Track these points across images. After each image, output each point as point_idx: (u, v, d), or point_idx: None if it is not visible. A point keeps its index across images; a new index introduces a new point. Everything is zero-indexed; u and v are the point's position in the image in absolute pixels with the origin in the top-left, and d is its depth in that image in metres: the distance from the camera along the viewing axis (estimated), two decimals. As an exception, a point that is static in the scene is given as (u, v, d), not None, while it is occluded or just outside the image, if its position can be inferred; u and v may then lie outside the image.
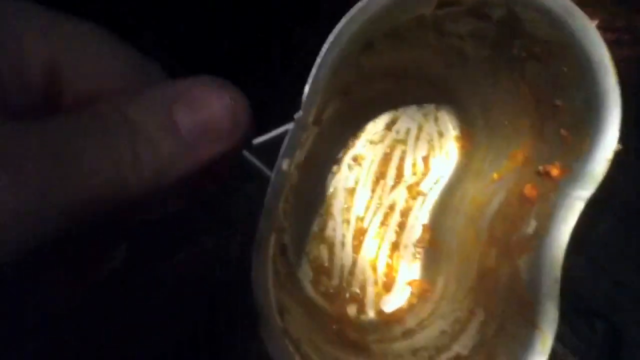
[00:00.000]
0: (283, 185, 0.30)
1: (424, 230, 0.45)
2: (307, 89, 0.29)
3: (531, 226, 0.33)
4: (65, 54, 0.23)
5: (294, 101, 0.29)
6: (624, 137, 0.30)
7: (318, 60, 0.29)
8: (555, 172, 0.33)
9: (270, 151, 0.30)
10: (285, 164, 0.29)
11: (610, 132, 0.30)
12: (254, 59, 0.48)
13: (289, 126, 0.29)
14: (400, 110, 0.45)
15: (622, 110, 0.29)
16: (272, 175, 0.29)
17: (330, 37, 0.29)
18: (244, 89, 0.26)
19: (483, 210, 0.39)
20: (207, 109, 0.24)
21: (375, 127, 0.45)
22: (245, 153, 0.30)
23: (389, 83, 0.45)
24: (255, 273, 0.30)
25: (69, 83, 0.24)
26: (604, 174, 0.30)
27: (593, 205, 0.30)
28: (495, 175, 0.39)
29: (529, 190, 0.34)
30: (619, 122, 0.30)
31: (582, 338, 0.34)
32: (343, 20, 0.29)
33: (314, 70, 0.29)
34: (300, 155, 0.43)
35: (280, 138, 0.30)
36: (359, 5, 0.29)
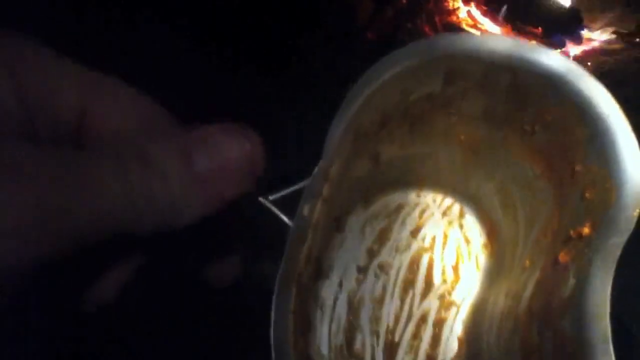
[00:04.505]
0: (304, 232, 0.29)
1: (460, 344, 0.42)
2: (327, 141, 0.30)
3: (570, 285, 0.31)
4: (93, 102, 0.26)
5: (312, 156, 0.30)
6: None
7: (338, 113, 0.30)
8: (586, 231, 0.32)
9: (288, 207, 0.30)
10: (306, 210, 0.29)
11: (634, 180, 0.30)
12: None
13: (307, 182, 0.30)
14: (424, 217, 0.45)
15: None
16: (294, 221, 0.29)
17: (351, 93, 0.31)
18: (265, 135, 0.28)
19: (519, 297, 0.36)
20: (225, 153, 0.25)
21: (399, 235, 0.45)
22: (264, 201, 0.30)
23: (410, 191, 0.46)
24: (275, 329, 0.28)
25: (95, 126, 0.26)
26: (636, 218, 0.29)
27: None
28: (527, 262, 0.37)
29: (563, 256, 0.33)
30: (640, 167, 0.30)
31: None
32: (360, 81, 0.31)
33: (334, 124, 0.30)
34: (327, 261, 0.43)
35: (298, 194, 0.30)
36: (371, 69, 0.32)
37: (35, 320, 0.23)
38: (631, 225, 0.30)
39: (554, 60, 0.32)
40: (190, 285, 0.30)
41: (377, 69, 0.31)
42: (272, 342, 0.27)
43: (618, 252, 0.29)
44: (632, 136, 0.30)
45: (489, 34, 0.63)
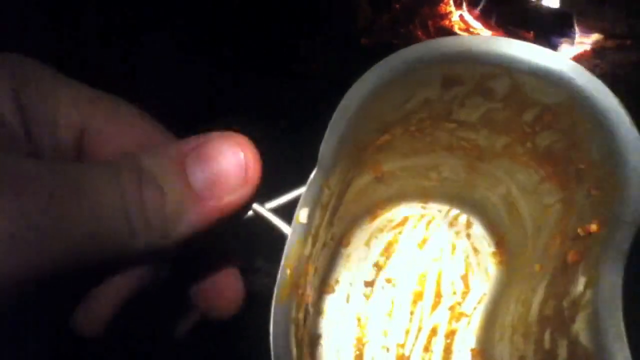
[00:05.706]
0: (303, 239, 0.29)
1: (472, 355, 0.41)
2: (322, 147, 0.30)
3: (580, 283, 0.30)
4: (92, 119, 0.26)
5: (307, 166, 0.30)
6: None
7: (332, 119, 0.30)
8: (594, 228, 0.31)
9: (286, 216, 0.30)
10: (303, 216, 0.29)
11: (638, 173, 0.30)
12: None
13: (303, 189, 0.29)
14: (430, 229, 0.44)
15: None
16: (291, 228, 0.28)
17: (344, 100, 0.30)
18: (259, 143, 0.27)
19: (529, 304, 0.35)
20: (218, 163, 0.25)
21: (406, 247, 0.44)
22: (260, 209, 0.29)
23: (415, 203, 0.45)
24: (274, 341, 0.27)
25: (94, 144, 0.26)
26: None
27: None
28: (537, 268, 0.36)
29: (572, 256, 0.32)
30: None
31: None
32: (354, 87, 0.31)
33: (328, 131, 0.30)
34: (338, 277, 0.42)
35: (294, 202, 0.29)
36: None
37: (35, 320, 0.23)
38: (638, 218, 0.29)
39: (550, 58, 0.32)
40: (184, 299, 0.29)
41: (371, 74, 0.31)
42: (272, 355, 0.26)
43: (627, 246, 0.28)
44: (633, 129, 0.30)
45: (483, 35, 0.63)
